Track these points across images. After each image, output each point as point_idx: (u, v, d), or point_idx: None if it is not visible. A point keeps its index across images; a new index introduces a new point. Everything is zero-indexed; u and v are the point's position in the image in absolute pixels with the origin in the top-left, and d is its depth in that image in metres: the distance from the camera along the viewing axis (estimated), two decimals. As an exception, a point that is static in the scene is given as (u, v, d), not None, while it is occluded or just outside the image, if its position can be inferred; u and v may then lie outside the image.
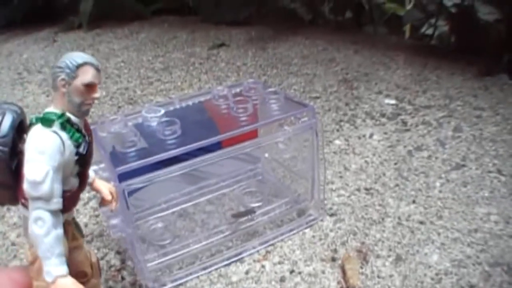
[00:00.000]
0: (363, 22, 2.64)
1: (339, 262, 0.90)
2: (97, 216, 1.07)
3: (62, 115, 0.60)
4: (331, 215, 1.04)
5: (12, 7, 2.73)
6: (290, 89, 1.71)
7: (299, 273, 0.88)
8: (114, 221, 0.96)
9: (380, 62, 1.94)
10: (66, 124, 0.60)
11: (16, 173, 0.61)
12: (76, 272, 0.69)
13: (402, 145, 1.30)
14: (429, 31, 2.32)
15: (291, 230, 0.99)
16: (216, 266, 0.90)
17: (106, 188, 0.77)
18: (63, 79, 0.60)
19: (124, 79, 1.90)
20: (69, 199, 0.63)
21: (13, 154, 0.61)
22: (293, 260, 0.91)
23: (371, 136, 1.37)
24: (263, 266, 0.90)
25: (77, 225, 0.71)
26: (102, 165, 0.86)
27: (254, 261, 0.92)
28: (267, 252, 0.94)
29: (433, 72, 1.82)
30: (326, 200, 1.08)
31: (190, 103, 1.01)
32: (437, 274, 0.86)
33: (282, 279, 0.87)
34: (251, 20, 2.59)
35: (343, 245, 0.94)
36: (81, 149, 0.62)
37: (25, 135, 0.61)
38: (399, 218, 1.01)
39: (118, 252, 0.96)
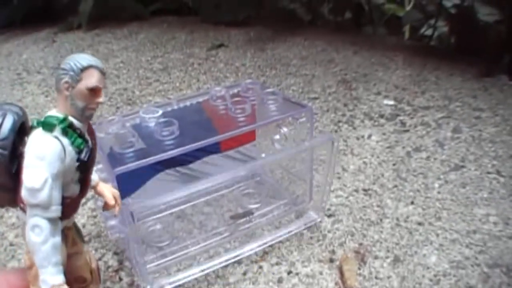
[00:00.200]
0: (362, 22, 2.64)
1: (337, 263, 0.90)
2: (95, 217, 1.07)
3: (64, 119, 0.58)
4: (329, 216, 1.03)
5: (12, 7, 2.72)
6: (289, 90, 1.71)
7: (297, 274, 0.88)
8: (112, 222, 0.96)
9: (379, 63, 1.94)
10: (68, 129, 0.58)
11: (16, 175, 0.59)
12: (75, 278, 0.68)
13: (400, 146, 1.30)
14: (429, 32, 2.32)
15: (289, 232, 0.98)
16: (214, 268, 0.90)
17: (109, 192, 0.74)
18: (66, 82, 0.58)
19: (123, 80, 1.90)
20: (69, 206, 0.62)
21: (13, 157, 0.59)
22: (290, 261, 0.91)
23: (369, 137, 1.36)
24: (260, 267, 0.90)
25: (78, 230, 0.70)
26: (100, 166, 0.86)
27: (251, 262, 0.92)
28: (265, 253, 0.94)
29: (432, 72, 1.81)
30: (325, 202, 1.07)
31: (188, 103, 1.01)
32: (435, 275, 0.85)
33: (280, 280, 0.86)
34: (250, 21, 2.59)
35: (341, 246, 0.94)
36: (82, 155, 0.60)
37: (26, 138, 0.59)
38: (397, 219, 1.01)
39: (116, 253, 0.95)
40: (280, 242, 0.96)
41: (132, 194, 1.00)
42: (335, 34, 2.37)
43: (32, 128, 0.59)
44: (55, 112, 0.60)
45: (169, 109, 0.98)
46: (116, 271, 0.91)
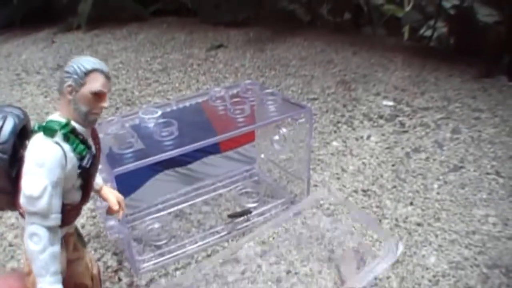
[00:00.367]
0: (361, 23, 2.64)
1: (336, 262, 0.89)
2: (94, 217, 1.07)
3: (66, 124, 0.57)
4: (328, 216, 1.03)
5: (11, 8, 2.72)
6: (288, 91, 1.71)
7: (296, 273, 0.88)
8: (111, 222, 0.96)
9: (379, 64, 1.94)
10: (70, 135, 0.57)
11: (16, 179, 0.57)
12: (76, 284, 0.67)
13: (399, 147, 1.30)
14: (428, 33, 2.32)
15: (286, 230, 0.98)
16: (212, 266, 0.90)
17: (114, 197, 0.72)
18: (70, 86, 0.56)
19: (122, 80, 1.90)
20: (70, 213, 0.60)
21: (13, 160, 0.57)
22: (289, 261, 0.91)
23: (368, 137, 1.37)
24: (259, 266, 0.90)
25: (79, 235, 0.69)
26: (100, 166, 0.86)
27: (250, 261, 0.91)
28: (263, 252, 0.94)
29: (431, 73, 1.82)
30: (323, 200, 1.08)
31: (187, 104, 1.01)
32: (434, 276, 0.85)
33: (279, 280, 0.86)
34: (249, 21, 2.59)
35: (340, 245, 0.94)
36: (84, 162, 0.58)
37: (27, 141, 0.58)
38: (396, 219, 1.01)
39: (115, 253, 0.95)
40: (278, 240, 0.96)
41: (131, 195, 1.00)
42: (335, 34, 2.37)
43: (33, 132, 0.57)
44: (57, 117, 0.58)
45: (168, 109, 0.99)
46: (115, 271, 0.91)
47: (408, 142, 1.32)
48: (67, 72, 0.57)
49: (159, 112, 0.94)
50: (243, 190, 1.10)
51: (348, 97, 1.64)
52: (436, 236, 0.96)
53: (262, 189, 1.11)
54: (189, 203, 1.07)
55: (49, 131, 0.55)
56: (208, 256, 0.93)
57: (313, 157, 1.25)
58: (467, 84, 1.69)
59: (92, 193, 0.67)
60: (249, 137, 1.13)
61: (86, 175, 0.60)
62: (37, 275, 0.56)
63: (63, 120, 0.57)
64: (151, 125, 0.91)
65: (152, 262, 0.90)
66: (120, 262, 0.93)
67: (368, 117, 1.48)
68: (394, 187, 1.13)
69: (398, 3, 2.47)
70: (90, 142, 0.61)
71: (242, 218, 1.00)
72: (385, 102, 1.58)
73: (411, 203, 1.06)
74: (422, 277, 0.85)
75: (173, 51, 2.24)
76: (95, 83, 0.57)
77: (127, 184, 0.95)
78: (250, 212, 1.00)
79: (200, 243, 0.94)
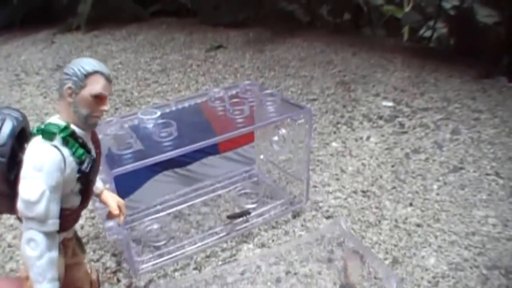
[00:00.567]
0: (361, 24, 2.64)
1: (336, 262, 0.89)
2: (93, 218, 1.07)
3: (66, 128, 0.55)
4: (328, 217, 1.03)
5: (11, 8, 2.72)
6: (288, 91, 1.71)
7: (295, 274, 0.88)
8: (110, 223, 0.96)
9: (378, 64, 1.94)
10: (69, 139, 0.56)
11: (15, 183, 0.56)
12: None
13: (399, 148, 1.30)
14: (428, 34, 2.32)
15: (286, 232, 0.98)
16: (211, 267, 0.90)
17: (114, 201, 0.70)
18: (69, 88, 0.55)
19: (122, 81, 1.90)
20: (69, 218, 0.59)
21: (12, 163, 0.56)
22: (289, 261, 0.91)
23: (368, 138, 1.36)
24: (258, 267, 0.90)
25: (79, 241, 0.68)
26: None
27: (249, 262, 0.91)
28: (263, 252, 0.93)
29: (431, 74, 1.82)
30: (323, 202, 1.07)
31: (186, 105, 1.01)
32: (434, 277, 0.85)
33: (278, 280, 0.86)
34: (249, 22, 2.59)
35: (340, 246, 0.94)
36: (84, 167, 0.57)
37: (26, 144, 0.57)
38: (396, 220, 1.01)
39: (114, 254, 0.95)
40: (278, 242, 0.96)
41: (130, 196, 1.00)
42: (334, 35, 2.37)
43: (32, 135, 0.56)
44: (56, 119, 0.57)
45: (167, 110, 0.98)
46: (114, 272, 0.91)
47: (408, 143, 1.32)
48: (67, 74, 0.56)
49: (158, 113, 0.94)
50: (242, 191, 1.10)
51: (348, 97, 1.64)
52: (436, 237, 0.96)
53: (261, 190, 1.11)
54: (188, 204, 1.07)
55: (48, 134, 0.55)
56: (207, 257, 0.93)
57: (313, 158, 1.25)
58: (467, 85, 1.69)
59: (91, 194, 0.67)
60: (248, 138, 1.13)
61: (85, 180, 0.59)
62: (34, 281, 0.55)
63: (62, 123, 0.56)
64: (150, 125, 0.91)
65: (151, 263, 0.89)
66: (119, 263, 0.93)
67: (368, 118, 1.48)
68: (394, 188, 1.13)
69: (398, 4, 2.47)
70: (90, 145, 0.60)
71: (241, 219, 0.99)
72: (384, 103, 1.58)
73: (411, 204, 1.06)
74: (422, 278, 0.85)
75: (173, 51, 2.24)
76: (96, 86, 0.56)
77: (126, 184, 0.95)
78: (249, 213, 1.00)
79: (199, 244, 0.94)
